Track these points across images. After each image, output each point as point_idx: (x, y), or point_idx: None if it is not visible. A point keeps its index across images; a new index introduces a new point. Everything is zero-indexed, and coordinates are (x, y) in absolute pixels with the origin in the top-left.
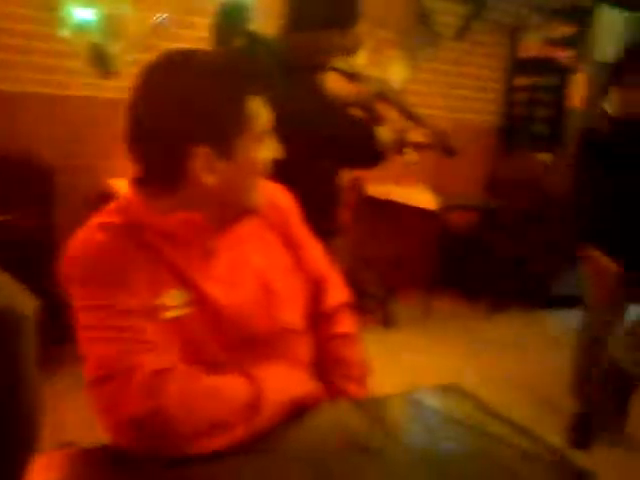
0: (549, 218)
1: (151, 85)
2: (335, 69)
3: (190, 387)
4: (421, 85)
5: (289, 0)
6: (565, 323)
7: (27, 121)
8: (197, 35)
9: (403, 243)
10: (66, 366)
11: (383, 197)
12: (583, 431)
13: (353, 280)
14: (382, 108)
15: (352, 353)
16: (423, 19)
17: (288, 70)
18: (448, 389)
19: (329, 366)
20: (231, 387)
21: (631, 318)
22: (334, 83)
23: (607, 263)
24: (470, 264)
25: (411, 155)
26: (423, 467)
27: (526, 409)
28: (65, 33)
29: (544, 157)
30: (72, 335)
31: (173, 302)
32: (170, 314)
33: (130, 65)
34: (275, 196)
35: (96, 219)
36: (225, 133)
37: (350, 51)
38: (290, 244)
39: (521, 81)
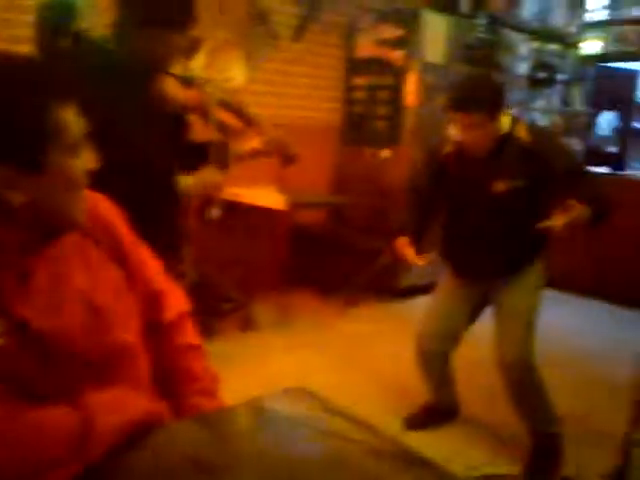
0: (392, 211)
1: None
2: (171, 74)
3: (7, 427)
4: (261, 85)
5: None
6: (415, 311)
7: None
8: (14, 34)
9: (256, 245)
10: None
11: (231, 199)
12: (419, 416)
13: (208, 286)
14: (221, 114)
15: (199, 365)
16: (260, 19)
17: (120, 73)
18: (294, 392)
19: (176, 381)
20: (54, 420)
21: None
22: (171, 88)
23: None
24: (324, 261)
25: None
26: (272, 476)
27: (382, 398)
28: None
29: (384, 153)
30: None
31: None
32: None
33: None
34: (99, 209)
35: None
36: (29, 147)
37: (188, 53)
38: (118, 258)
39: (359, 81)
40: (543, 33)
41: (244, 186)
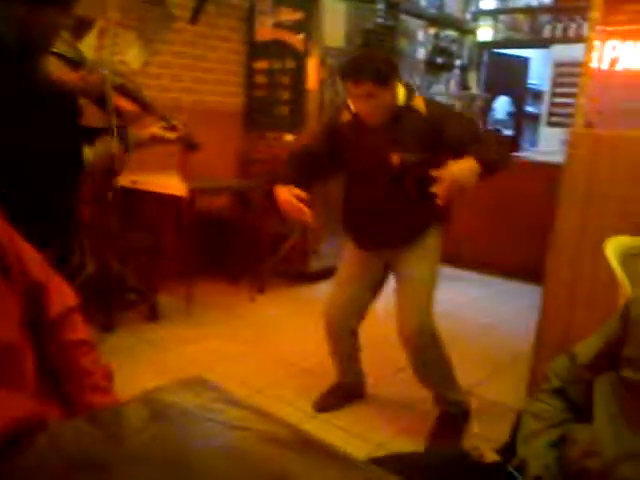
0: None
1: None
2: (57, 54)
3: None
4: (161, 68)
5: None
6: (323, 294)
7: None
8: None
9: (159, 233)
10: None
11: (131, 186)
12: (330, 396)
13: (110, 276)
14: (116, 98)
15: (89, 360)
16: (156, 0)
17: None
18: (190, 383)
19: (66, 378)
20: None
21: None
22: (57, 69)
23: None
24: (231, 248)
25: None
26: (167, 472)
27: (293, 382)
28: None
29: (287, 137)
30: None
31: None
32: None
33: None
34: None
35: None
36: None
37: (76, 33)
38: None
39: (260, 64)
40: (440, 20)
41: (145, 173)
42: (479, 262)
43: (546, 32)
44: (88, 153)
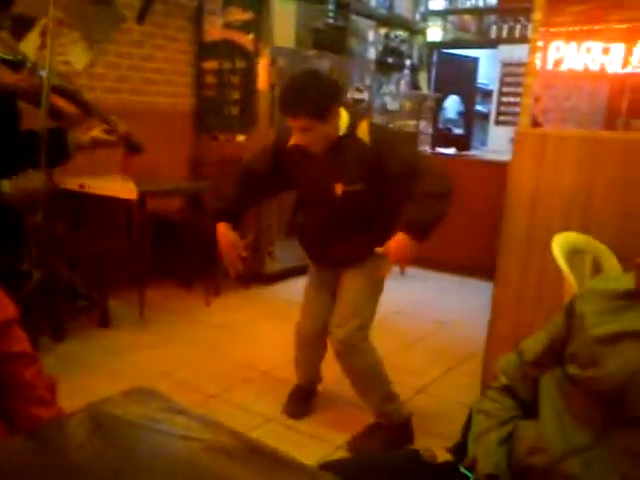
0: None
1: None
2: None
3: None
4: (106, 69)
5: None
6: (281, 296)
7: None
8: None
9: (109, 237)
10: None
11: (79, 190)
12: (299, 402)
13: (59, 284)
14: (56, 100)
15: (31, 372)
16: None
17: None
18: (134, 393)
19: (8, 391)
20: None
21: None
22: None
23: None
24: (185, 251)
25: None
26: None
27: (252, 385)
28: None
29: (239, 138)
30: None
31: None
32: None
33: None
34: None
35: None
36: None
37: (16, 33)
38: None
39: (210, 65)
40: (390, 20)
41: (93, 176)
42: (432, 260)
43: (493, 33)
44: (5, 185)
